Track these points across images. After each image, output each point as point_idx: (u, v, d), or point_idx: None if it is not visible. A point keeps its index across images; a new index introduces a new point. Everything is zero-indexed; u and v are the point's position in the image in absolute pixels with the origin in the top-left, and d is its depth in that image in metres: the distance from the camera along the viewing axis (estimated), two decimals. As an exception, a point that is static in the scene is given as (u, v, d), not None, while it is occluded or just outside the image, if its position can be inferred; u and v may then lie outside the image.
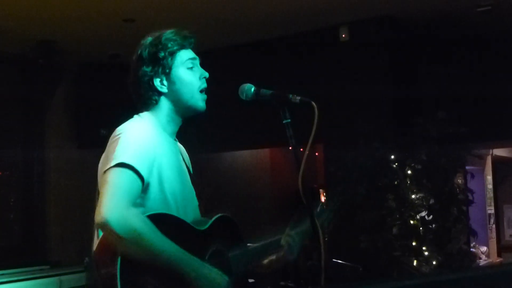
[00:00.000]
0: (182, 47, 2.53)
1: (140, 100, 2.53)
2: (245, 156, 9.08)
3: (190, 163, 2.67)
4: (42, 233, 7.26)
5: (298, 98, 2.37)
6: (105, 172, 2.27)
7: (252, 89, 2.48)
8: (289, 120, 2.37)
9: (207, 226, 2.43)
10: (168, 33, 2.53)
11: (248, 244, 2.62)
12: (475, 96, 6.47)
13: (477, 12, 5.95)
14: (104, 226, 2.15)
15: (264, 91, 2.47)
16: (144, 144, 2.33)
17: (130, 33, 6.29)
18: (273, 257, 2.67)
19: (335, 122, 6.27)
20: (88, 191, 8.50)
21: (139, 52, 2.52)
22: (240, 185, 8.86)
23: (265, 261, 2.69)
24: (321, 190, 8.48)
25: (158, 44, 2.50)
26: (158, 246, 2.18)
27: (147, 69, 2.48)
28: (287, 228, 2.73)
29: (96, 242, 2.29)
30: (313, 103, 2.31)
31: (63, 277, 6.28)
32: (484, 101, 6.51)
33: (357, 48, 6.45)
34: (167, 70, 2.49)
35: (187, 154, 2.68)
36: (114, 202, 2.16)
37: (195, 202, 2.57)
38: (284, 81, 6.61)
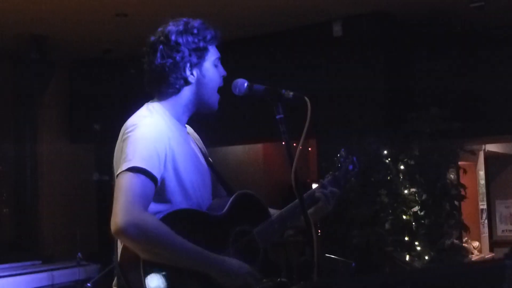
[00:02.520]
0: (215, 41, 2.53)
1: (161, 87, 2.47)
2: (237, 151, 9.08)
3: (201, 142, 2.67)
4: (35, 228, 7.25)
5: (291, 93, 2.37)
6: (117, 176, 2.26)
7: (245, 84, 2.47)
8: (282, 116, 2.36)
9: (225, 209, 2.44)
10: (201, 24, 2.50)
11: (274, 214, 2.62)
12: (467, 91, 6.49)
13: (471, 8, 5.95)
14: (120, 235, 2.17)
15: (257, 86, 2.46)
16: (154, 142, 2.30)
17: (123, 27, 6.28)
18: (311, 210, 2.68)
19: (328, 117, 6.28)
20: (81, 185, 8.50)
21: (171, 37, 2.44)
22: (233, 180, 8.85)
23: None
24: (314, 185, 8.49)
25: (193, 33, 2.46)
26: (176, 249, 2.21)
27: (182, 55, 2.43)
28: (320, 180, 2.78)
29: (119, 248, 2.31)
30: (306, 99, 2.30)
31: (56, 272, 6.28)
32: (477, 96, 6.53)
33: (350, 43, 6.45)
34: (201, 61, 2.47)
35: (197, 135, 2.68)
36: (127, 210, 2.16)
37: (210, 182, 2.58)
38: (277, 77, 6.60)
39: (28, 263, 6.65)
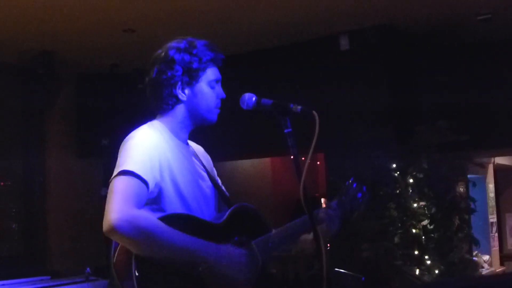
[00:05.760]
0: (213, 63, 2.53)
1: (156, 102, 2.52)
2: (246, 165, 9.07)
3: (210, 163, 2.70)
4: (43, 243, 7.25)
5: (299, 107, 2.37)
6: (110, 182, 2.29)
7: (253, 99, 2.47)
8: (290, 130, 2.36)
9: (223, 219, 2.44)
10: (203, 45, 2.52)
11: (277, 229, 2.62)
12: (476, 104, 6.47)
13: (477, 21, 5.95)
14: (112, 232, 2.16)
15: (265, 100, 2.46)
16: (148, 150, 2.34)
17: (130, 43, 6.30)
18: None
19: (336, 131, 6.27)
20: (89, 200, 8.52)
21: (169, 53, 2.49)
22: (241, 194, 8.84)
23: (310, 237, 2.70)
24: (322, 199, 8.47)
25: (192, 53, 2.49)
26: (170, 238, 2.19)
27: (175, 73, 2.47)
28: (326, 202, 2.80)
29: (114, 250, 2.30)
30: (314, 113, 2.30)
31: (65, 288, 6.27)
32: (485, 109, 6.51)
33: (357, 56, 6.45)
34: (194, 82, 2.49)
35: (207, 155, 2.71)
36: (119, 207, 2.17)
37: (214, 199, 2.59)
38: (285, 91, 6.61)
39: (37, 278, 6.64)
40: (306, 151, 2.28)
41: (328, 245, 6.54)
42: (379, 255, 5.58)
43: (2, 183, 7.10)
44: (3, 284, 6.24)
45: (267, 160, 9.30)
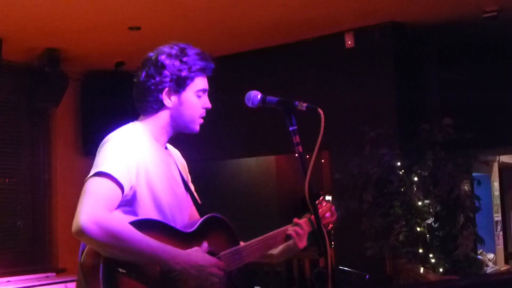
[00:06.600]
0: (203, 72, 2.51)
1: (141, 104, 2.51)
2: (250, 163, 9.08)
3: (185, 168, 2.67)
4: (49, 241, 7.28)
5: (305, 105, 2.36)
6: (85, 182, 2.28)
7: (258, 97, 2.47)
8: (296, 127, 2.36)
9: (194, 228, 2.43)
10: (195, 53, 2.49)
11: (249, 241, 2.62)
12: (481, 102, 6.46)
13: (483, 18, 5.94)
14: (81, 234, 2.17)
15: (270, 98, 2.46)
16: (126, 152, 2.33)
17: (136, 41, 6.31)
18: (281, 247, 2.71)
19: (341, 129, 6.27)
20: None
21: (159, 58, 2.46)
22: (246, 192, 8.86)
23: (275, 252, 2.72)
24: (327, 197, 8.48)
25: (182, 60, 2.46)
26: (139, 244, 2.18)
27: (163, 79, 2.44)
28: (294, 219, 2.77)
29: (82, 252, 2.31)
30: (320, 110, 2.30)
31: (70, 284, 6.29)
32: (490, 107, 6.49)
33: (362, 54, 6.45)
34: (181, 90, 2.47)
35: (183, 159, 2.68)
36: (89, 209, 2.17)
37: (187, 206, 2.58)
38: (290, 88, 6.61)
39: (43, 275, 6.67)
40: (311, 148, 2.29)
41: (333, 243, 6.58)
42: (384, 253, 5.59)
43: (7, 180, 7.13)
44: (9, 281, 6.28)
45: (272, 158, 9.30)
